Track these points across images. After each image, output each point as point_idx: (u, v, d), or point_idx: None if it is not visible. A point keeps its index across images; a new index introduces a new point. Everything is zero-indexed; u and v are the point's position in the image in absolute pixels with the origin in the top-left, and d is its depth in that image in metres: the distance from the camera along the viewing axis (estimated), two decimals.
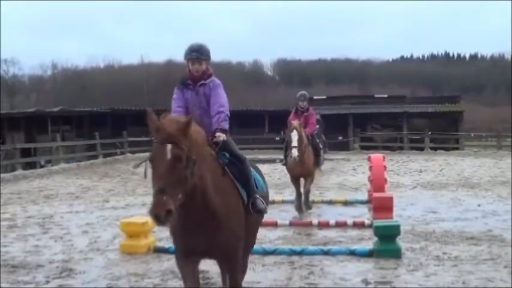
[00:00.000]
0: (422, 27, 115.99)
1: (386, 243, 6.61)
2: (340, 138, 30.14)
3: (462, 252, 6.87)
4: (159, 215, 3.03)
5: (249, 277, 4.73)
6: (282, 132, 25.41)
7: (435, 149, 28.56)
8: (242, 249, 4.39)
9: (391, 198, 8.41)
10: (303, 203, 9.67)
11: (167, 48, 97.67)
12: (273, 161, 18.77)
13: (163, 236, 7.53)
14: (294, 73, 70.07)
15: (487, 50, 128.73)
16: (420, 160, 22.78)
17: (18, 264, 6.62)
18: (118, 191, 13.66)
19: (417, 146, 29.04)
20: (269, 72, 79.01)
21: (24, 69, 73.46)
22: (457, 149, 29.30)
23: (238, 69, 72.22)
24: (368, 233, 7.77)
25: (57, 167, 20.76)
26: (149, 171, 3.28)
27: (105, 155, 24.74)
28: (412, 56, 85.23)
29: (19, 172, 18.47)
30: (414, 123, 33.76)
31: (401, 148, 29.36)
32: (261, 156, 24.08)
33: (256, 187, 4.18)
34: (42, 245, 7.68)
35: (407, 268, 6.18)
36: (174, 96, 4.39)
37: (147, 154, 3.49)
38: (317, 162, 10.11)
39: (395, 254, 6.56)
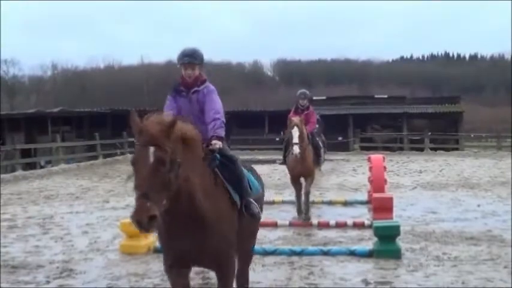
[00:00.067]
0: (422, 27, 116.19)
1: (386, 244, 6.62)
2: (340, 138, 30.16)
3: (462, 252, 6.89)
4: (141, 221, 2.86)
5: (249, 276, 4.73)
6: (281, 133, 25.41)
7: (435, 149, 28.61)
8: (242, 257, 4.37)
9: (391, 199, 8.41)
10: (302, 203, 9.56)
11: (167, 48, 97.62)
12: (273, 161, 18.76)
13: None
14: (293, 73, 70.06)
15: (487, 50, 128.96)
16: (420, 161, 22.81)
17: (18, 264, 6.63)
18: (118, 192, 13.65)
19: (417, 147, 29.08)
20: (269, 73, 79.14)
21: (25, 70, 73.49)
22: (456, 149, 29.33)
23: (238, 69, 72.32)
24: (368, 233, 7.78)
25: (57, 167, 20.79)
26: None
27: (105, 156, 24.77)
28: (412, 57, 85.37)
29: (19, 173, 18.49)
30: (414, 124, 33.79)
31: (401, 149, 29.39)
32: (261, 157, 24.13)
33: (251, 189, 4.02)
34: (42, 246, 7.69)
35: (407, 268, 6.19)
36: (167, 103, 4.25)
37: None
38: (317, 162, 9.88)
39: (395, 254, 6.57)
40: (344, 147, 29.50)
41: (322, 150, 10.12)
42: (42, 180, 17.20)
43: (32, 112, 27.90)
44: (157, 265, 6.43)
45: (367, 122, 33.05)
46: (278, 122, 23.91)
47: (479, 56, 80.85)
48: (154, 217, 2.88)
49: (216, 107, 4.12)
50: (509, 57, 69.47)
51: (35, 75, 67.11)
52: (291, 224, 8.69)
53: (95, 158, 24.09)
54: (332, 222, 8.59)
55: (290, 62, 76.82)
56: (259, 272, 6.05)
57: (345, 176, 16.84)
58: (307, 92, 10.21)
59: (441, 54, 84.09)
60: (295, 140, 8.87)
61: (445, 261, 6.45)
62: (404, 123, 32.88)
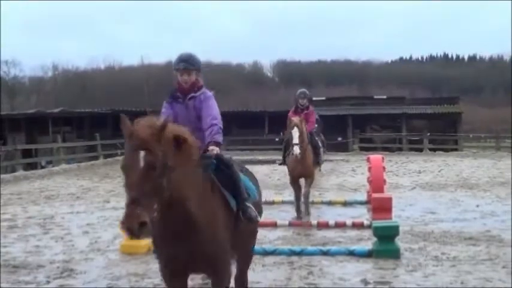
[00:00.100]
0: (422, 27, 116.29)
1: (385, 244, 6.65)
2: (339, 139, 30.22)
3: (460, 252, 6.92)
4: (131, 228, 2.78)
5: (248, 277, 4.76)
6: (281, 133, 25.44)
7: (434, 150, 28.65)
8: (242, 259, 4.36)
9: (390, 199, 8.42)
10: (302, 202, 9.54)
11: (167, 49, 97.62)
12: (273, 161, 18.77)
13: None
14: (293, 74, 70.04)
15: (486, 50, 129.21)
16: (419, 161, 22.84)
17: (19, 264, 6.66)
18: (118, 192, 13.66)
19: (416, 147, 29.12)
20: (269, 74, 79.15)
21: (25, 71, 73.46)
22: (455, 150, 29.37)
23: (238, 70, 72.33)
24: (367, 233, 7.81)
25: (58, 167, 20.84)
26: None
27: (106, 156, 24.82)
28: (411, 58, 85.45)
29: (20, 173, 18.53)
30: (413, 124, 33.85)
31: (400, 149, 29.42)
32: (261, 157, 24.15)
33: (248, 195, 3.95)
34: (43, 246, 7.72)
35: (406, 268, 6.22)
36: (163, 110, 4.18)
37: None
38: (317, 162, 9.88)
39: (394, 254, 6.60)
40: (343, 148, 29.55)
41: (321, 150, 10.09)
42: (43, 180, 17.23)
43: (33, 112, 27.94)
44: (157, 265, 6.45)
45: (366, 122, 33.10)
46: (278, 122, 23.94)
47: (478, 57, 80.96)
48: (144, 223, 2.80)
49: (213, 113, 4.06)
50: (508, 58, 69.66)
51: (35, 76, 67.22)
52: (290, 224, 8.71)
53: (96, 158, 24.14)
54: (331, 222, 8.61)
55: (290, 63, 76.89)
56: (258, 272, 6.07)
57: (344, 177, 16.86)
58: (307, 92, 10.15)
59: (440, 55, 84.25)
60: (296, 140, 8.80)
61: (444, 261, 6.47)
62: (403, 123, 32.93)
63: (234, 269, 4.33)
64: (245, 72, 73.75)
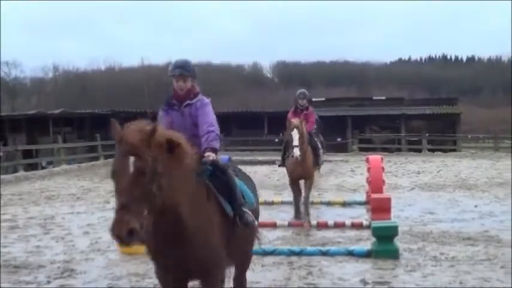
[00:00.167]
0: (422, 28, 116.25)
1: (384, 244, 6.68)
2: (338, 139, 30.25)
3: (459, 252, 6.96)
4: (120, 235, 2.72)
5: (248, 277, 4.79)
6: (281, 134, 25.46)
7: (433, 150, 28.70)
8: (240, 262, 4.33)
9: (389, 199, 8.44)
10: (302, 204, 9.54)
11: (167, 49, 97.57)
12: (273, 162, 18.79)
13: None
14: (293, 75, 70.05)
15: (486, 50, 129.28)
16: (418, 162, 22.89)
17: (19, 264, 6.69)
18: None
19: (415, 148, 29.16)
20: (268, 75, 79.15)
21: (26, 72, 73.41)
22: (454, 150, 29.40)
23: (238, 71, 72.33)
24: (366, 233, 7.85)
25: (59, 168, 20.88)
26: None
27: (106, 157, 24.77)
28: (410, 59, 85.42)
29: (21, 173, 18.57)
30: (412, 125, 33.86)
31: (399, 150, 29.45)
32: (260, 158, 24.19)
33: (244, 200, 3.92)
34: (43, 246, 7.75)
35: (405, 268, 6.26)
36: (158, 117, 4.13)
37: None
38: (317, 163, 9.79)
39: (393, 254, 6.64)
40: (343, 148, 29.58)
41: (321, 151, 10.07)
42: (44, 181, 17.27)
43: (33, 113, 27.93)
44: None
45: (365, 123, 33.12)
46: (277, 123, 23.94)
47: (476, 58, 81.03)
48: (133, 230, 2.74)
49: (210, 120, 4.03)
50: (506, 59, 69.64)
51: (36, 76, 67.16)
52: (290, 225, 8.75)
53: (96, 158, 24.17)
54: (331, 222, 8.65)
55: (289, 64, 76.87)
56: (258, 272, 6.09)
57: (343, 177, 16.91)
58: (307, 92, 10.10)
59: (439, 56, 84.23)
60: (295, 142, 8.74)
61: (443, 262, 6.51)
62: (402, 124, 32.94)
63: (232, 270, 4.37)
64: (245, 73, 73.76)
